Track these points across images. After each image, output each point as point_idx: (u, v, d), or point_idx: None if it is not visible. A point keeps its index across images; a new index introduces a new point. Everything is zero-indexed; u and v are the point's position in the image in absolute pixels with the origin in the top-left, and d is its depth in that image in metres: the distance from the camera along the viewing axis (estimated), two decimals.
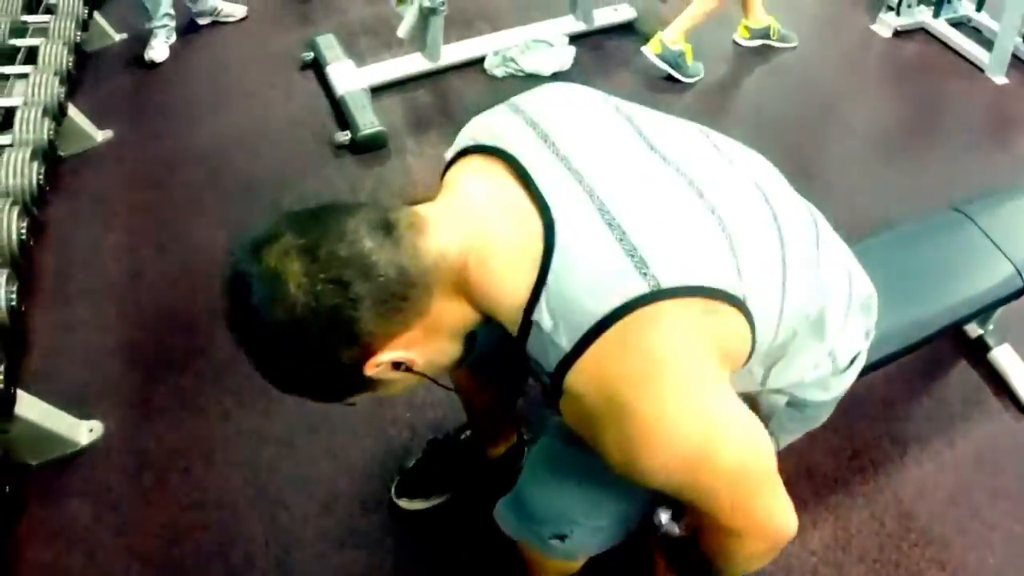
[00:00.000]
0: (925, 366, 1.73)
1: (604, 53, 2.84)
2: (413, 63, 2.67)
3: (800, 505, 1.50)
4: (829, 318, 0.87)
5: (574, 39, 2.80)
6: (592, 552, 1.05)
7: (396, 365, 0.70)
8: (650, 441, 0.68)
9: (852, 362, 0.96)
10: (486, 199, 0.73)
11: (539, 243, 0.68)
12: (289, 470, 1.56)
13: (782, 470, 1.74)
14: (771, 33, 2.76)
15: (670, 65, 2.61)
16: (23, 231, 1.77)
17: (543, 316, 0.68)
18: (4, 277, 1.54)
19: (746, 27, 2.76)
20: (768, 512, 0.81)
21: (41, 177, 1.98)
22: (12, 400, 1.38)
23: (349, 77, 2.58)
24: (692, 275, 0.67)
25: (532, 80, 2.69)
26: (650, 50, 2.62)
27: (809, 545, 1.43)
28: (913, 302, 1.36)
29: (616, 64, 2.78)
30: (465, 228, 0.70)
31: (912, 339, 1.34)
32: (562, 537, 0.97)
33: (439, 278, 0.68)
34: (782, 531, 0.82)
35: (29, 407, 1.48)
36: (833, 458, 1.56)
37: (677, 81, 2.65)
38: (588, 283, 0.66)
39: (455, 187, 0.76)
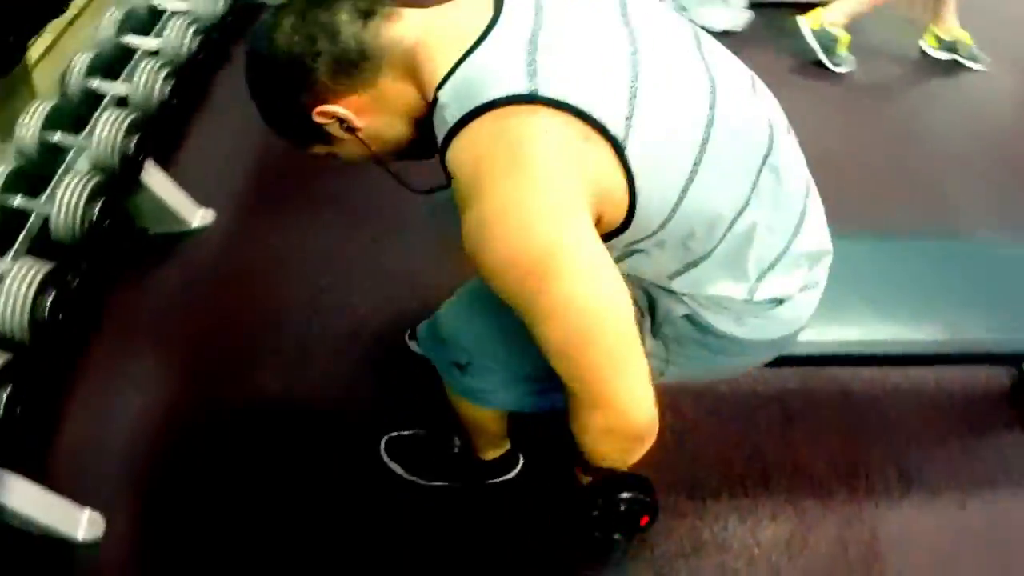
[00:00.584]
0: (970, 404, 1.58)
1: (772, 24, 2.72)
2: None
3: (766, 495, 1.42)
4: (755, 243, 0.87)
5: (755, 5, 2.71)
6: (492, 405, 1.12)
7: (341, 123, 0.84)
8: (495, 228, 0.71)
9: (774, 303, 0.94)
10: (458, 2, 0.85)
11: (476, 37, 0.77)
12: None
13: (767, 451, 1.57)
14: (958, 48, 2.53)
15: (821, 46, 2.48)
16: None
17: (445, 93, 0.77)
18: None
19: (935, 36, 2.54)
20: (606, 378, 0.75)
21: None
22: (140, 166, 1.65)
23: None
24: (571, 94, 0.72)
25: None
26: (807, 22, 2.49)
27: (758, 534, 1.36)
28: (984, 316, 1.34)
29: (772, 39, 2.66)
30: (427, 21, 0.83)
31: (962, 349, 1.31)
32: (461, 366, 1.05)
33: (392, 59, 0.81)
34: (626, 411, 0.76)
35: (155, 179, 1.77)
36: (827, 463, 1.47)
37: (828, 70, 2.51)
38: (485, 74, 0.74)
39: None
